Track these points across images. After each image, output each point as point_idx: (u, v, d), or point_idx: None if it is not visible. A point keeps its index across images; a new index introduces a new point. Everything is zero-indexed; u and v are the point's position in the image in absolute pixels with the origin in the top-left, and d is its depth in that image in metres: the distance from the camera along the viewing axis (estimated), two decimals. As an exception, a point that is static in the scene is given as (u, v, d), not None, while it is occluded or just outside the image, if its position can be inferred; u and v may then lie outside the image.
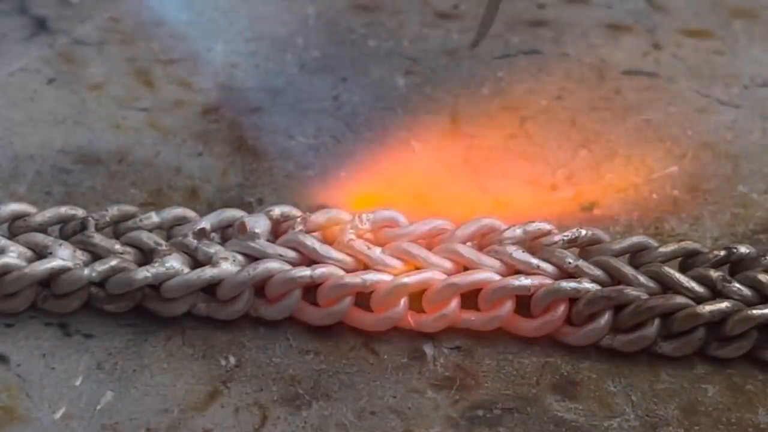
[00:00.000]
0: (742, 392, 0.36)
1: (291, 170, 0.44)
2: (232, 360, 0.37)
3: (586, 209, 0.42)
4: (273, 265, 0.37)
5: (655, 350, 0.37)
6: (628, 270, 0.38)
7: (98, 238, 0.38)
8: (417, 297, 0.37)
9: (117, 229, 0.39)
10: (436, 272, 0.37)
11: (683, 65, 0.49)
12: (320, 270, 0.37)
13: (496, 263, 0.38)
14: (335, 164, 0.44)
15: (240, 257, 0.38)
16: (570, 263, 0.38)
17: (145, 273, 0.37)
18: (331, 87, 0.48)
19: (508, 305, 0.37)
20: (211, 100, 0.47)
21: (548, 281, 0.37)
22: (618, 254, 0.38)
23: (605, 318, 0.37)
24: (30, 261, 0.37)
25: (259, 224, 0.38)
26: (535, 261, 0.38)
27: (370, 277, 0.37)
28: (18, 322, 0.37)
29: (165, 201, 0.42)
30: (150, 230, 0.39)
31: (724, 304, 0.37)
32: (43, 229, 0.38)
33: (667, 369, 0.37)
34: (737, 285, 0.37)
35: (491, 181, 0.43)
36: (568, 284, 0.37)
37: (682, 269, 0.38)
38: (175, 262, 0.37)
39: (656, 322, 0.37)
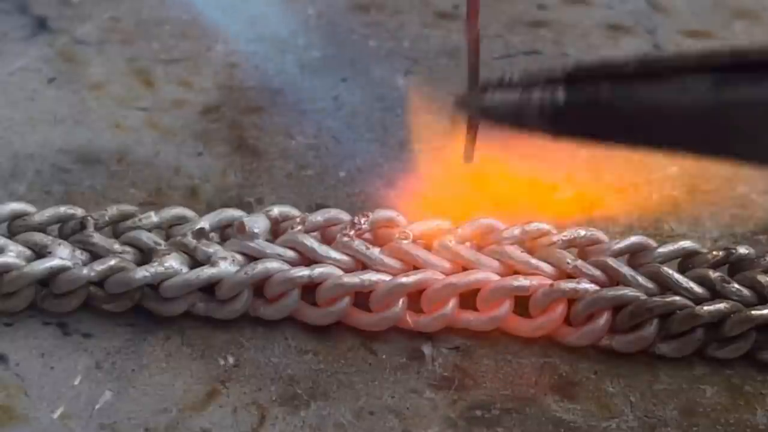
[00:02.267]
0: (741, 393, 0.36)
1: (291, 170, 0.44)
2: (231, 360, 0.37)
3: (586, 209, 0.42)
4: (272, 264, 0.37)
5: (653, 351, 0.37)
6: (627, 270, 0.37)
7: (97, 238, 0.38)
8: (415, 297, 0.37)
9: (116, 228, 0.39)
10: (434, 272, 0.37)
11: (683, 66, 0.49)
12: (319, 270, 0.37)
13: (495, 263, 0.38)
14: (335, 164, 0.44)
15: (239, 257, 0.38)
16: (569, 263, 0.38)
17: (143, 272, 0.37)
18: (331, 87, 0.48)
19: (507, 305, 0.37)
20: (211, 100, 0.47)
21: (547, 281, 0.37)
22: (617, 254, 0.38)
23: (604, 318, 0.37)
24: (29, 260, 0.37)
25: (258, 224, 0.38)
26: (533, 261, 0.38)
27: (369, 277, 0.37)
28: (17, 322, 0.37)
29: (164, 201, 0.42)
30: (149, 230, 0.39)
31: (723, 305, 0.37)
32: (42, 228, 0.38)
33: (665, 370, 0.37)
34: (736, 286, 0.37)
35: (491, 181, 0.43)
36: (566, 285, 0.37)
37: (681, 270, 0.38)
38: (173, 262, 0.37)
39: (655, 322, 0.37)
